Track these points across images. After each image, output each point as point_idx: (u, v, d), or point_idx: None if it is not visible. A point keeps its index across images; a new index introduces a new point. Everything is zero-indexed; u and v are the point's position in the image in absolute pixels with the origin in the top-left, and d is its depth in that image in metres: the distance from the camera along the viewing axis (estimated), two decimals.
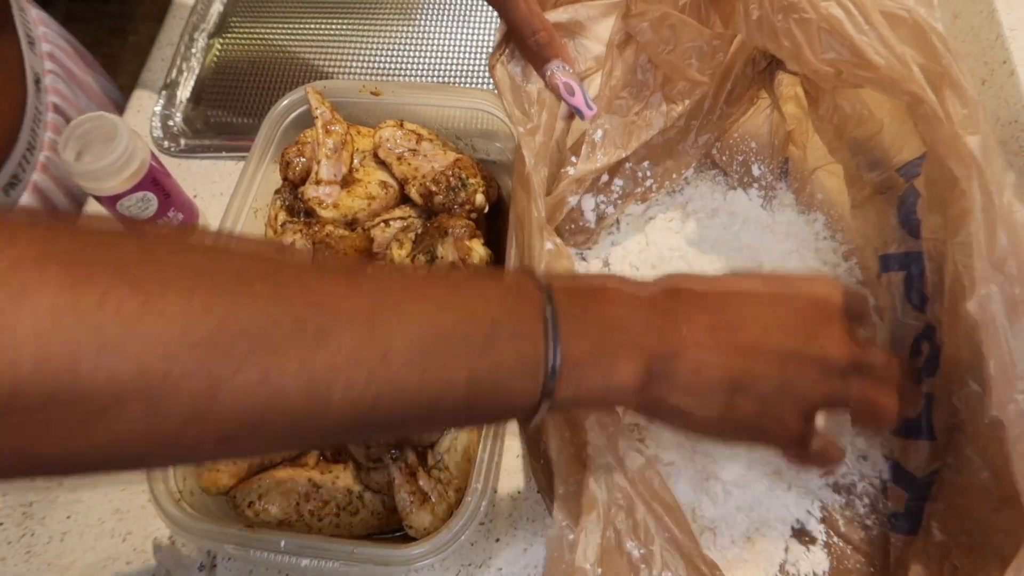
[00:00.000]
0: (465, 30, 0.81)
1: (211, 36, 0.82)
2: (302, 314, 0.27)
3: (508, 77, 0.50)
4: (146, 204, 0.60)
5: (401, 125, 0.62)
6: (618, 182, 0.61)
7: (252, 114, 0.77)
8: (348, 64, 0.80)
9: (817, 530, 0.50)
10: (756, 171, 0.62)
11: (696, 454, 0.52)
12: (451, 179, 0.58)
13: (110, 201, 0.59)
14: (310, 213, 0.60)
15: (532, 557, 0.52)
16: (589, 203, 0.60)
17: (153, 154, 0.60)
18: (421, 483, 0.49)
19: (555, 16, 0.52)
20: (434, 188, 0.58)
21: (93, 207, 0.69)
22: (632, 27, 0.51)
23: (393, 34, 0.82)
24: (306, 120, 0.63)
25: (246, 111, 0.77)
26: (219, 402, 0.26)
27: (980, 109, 0.38)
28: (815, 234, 0.60)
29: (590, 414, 0.42)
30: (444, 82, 0.78)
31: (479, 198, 0.58)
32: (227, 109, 0.78)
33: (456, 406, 0.31)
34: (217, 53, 0.81)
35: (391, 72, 0.79)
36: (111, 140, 0.56)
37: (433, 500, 0.49)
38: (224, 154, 0.73)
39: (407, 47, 0.81)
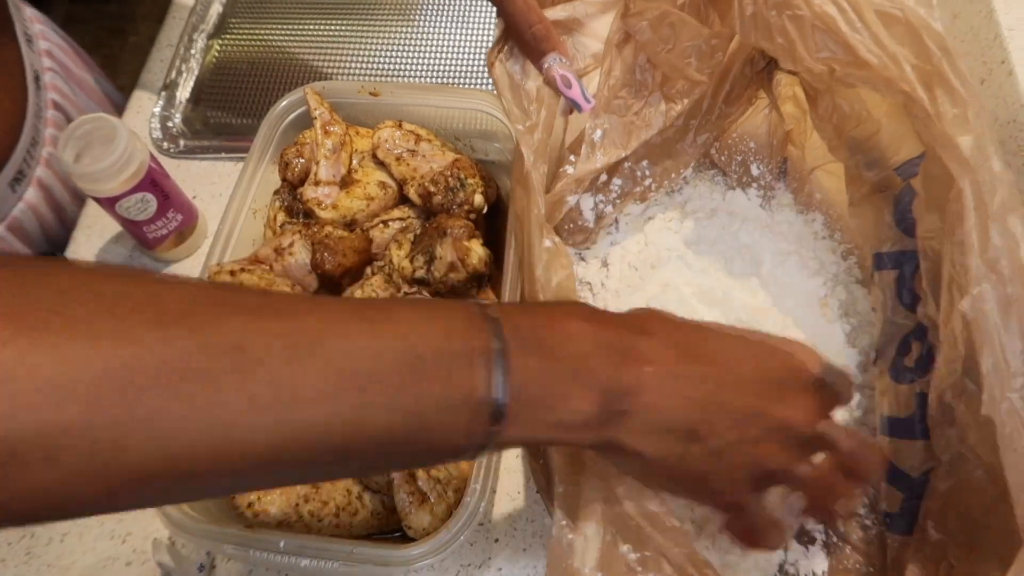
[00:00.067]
0: (464, 31, 0.81)
1: (210, 37, 0.82)
2: (203, 354, 0.26)
3: (507, 75, 0.50)
4: (145, 205, 0.60)
5: (400, 126, 0.62)
6: (617, 181, 0.61)
7: (251, 115, 0.77)
8: (347, 65, 0.80)
9: (816, 530, 0.50)
10: (755, 171, 0.62)
11: None
12: (450, 179, 0.58)
13: (109, 202, 0.59)
14: (309, 214, 0.60)
15: (531, 557, 0.52)
16: (588, 202, 0.60)
17: (152, 155, 0.60)
18: (420, 483, 0.49)
19: (553, 14, 0.52)
20: (433, 188, 0.58)
21: (93, 208, 0.69)
22: (631, 26, 0.51)
23: (392, 35, 0.82)
24: (305, 121, 0.63)
25: (245, 112, 0.77)
26: (101, 456, 0.24)
27: (972, 108, 0.38)
28: (814, 233, 0.60)
29: None
30: (443, 83, 0.78)
31: (478, 198, 0.58)
32: (226, 110, 0.78)
33: (375, 448, 0.30)
34: (216, 54, 0.81)
35: (390, 73, 0.79)
36: (110, 141, 0.56)
37: (432, 500, 0.49)
38: (223, 155, 0.73)
39: (406, 48, 0.81)
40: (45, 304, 0.25)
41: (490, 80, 0.51)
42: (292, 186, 0.62)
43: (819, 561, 0.49)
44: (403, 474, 0.49)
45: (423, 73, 0.79)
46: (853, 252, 0.58)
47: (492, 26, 0.81)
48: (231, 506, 0.50)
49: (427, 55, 0.80)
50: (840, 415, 0.52)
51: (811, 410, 0.36)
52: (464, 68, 0.79)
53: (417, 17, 0.83)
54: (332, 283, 0.58)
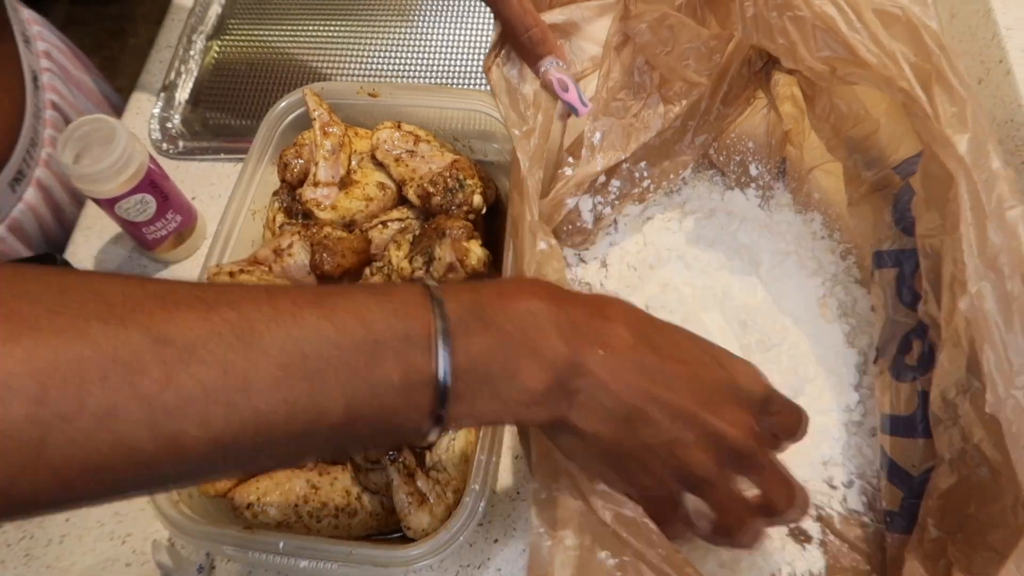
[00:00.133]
0: (462, 32, 0.81)
1: (209, 38, 0.82)
2: (148, 348, 0.26)
3: (504, 79, 0.51)
4: (144, 206, 0.60)
5: (399, 127, 0.62)
6: (615, 183, 0.61)
7: (250, 116, 0.77)
8: (346, 66, 0.80)
9: (813, 529, 0.50)
10: (753, 171, 0.62)
11: None
12: (449, 180, 0.58)
13: (108, 203, 0.59)
14: (308, 215, 0.60)
15: None
16: (586, 204, 0.60)
17: (151, 156, 0.60)
18: (419, 484, 0.49)
19: (551, 17, 0.52)
20: (432, 189, 0.58)
21: (92, 209, 0.70)
22: (630, 28, 0.51)
23: (391, 36, 0.82)
24: (304, 122, 0.63)
25: (244, 113, 0.77)
26: (51, 449, 0.25)
27: (970, 107, 0.38)
28: (812, 233, 0.60)
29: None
30: (441, 83, 0.78)
31: (477, 199, 0.58)
32: (225, 111, 0.78)
33: (334, 433, 0.30)
34: (215, 55, 0.82)
35: (389, 74, 0.79)
36: (109, 143, 0.57)
37: (431, 501, 0.49)
38: (222, 156, 0.73)
39: (404, 49, 0.81)
40: (6, 301, 0.25)
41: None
42: (291, 187, 0.62)
43: (816, 559, 0.49)
44: (402, 475, 0.49)
45: (422, 74, 0.79)
46: (852, 252, 0.58)
47: (490, 27, 0.81)
48: (230, 507, 0.50)
49: (426, 56, 0.80)
50: (838, 416, 0.52)
51: (744, 425, 0.37)
52: (463, 69, 0.79)
53: (416, 18, 0.83)
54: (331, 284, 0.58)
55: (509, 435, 0.56)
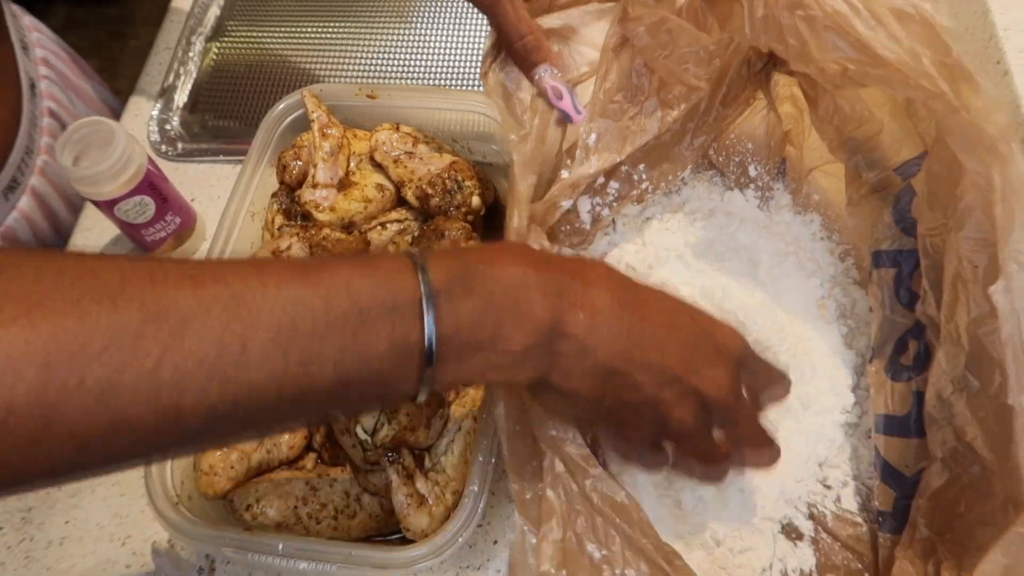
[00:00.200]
0: (461, 33, 0.81)
1: (208, 40, 0.82)
2: (145, 322, 0.27)
3: (500, 85, 0.51)
4: (143, 208, 0.60)
5: (397, 128, 0.62)
6: (614, 184, 0.61)
7: (249, 118, 0.77)
8: (344, 68, 0.80)
9: (805, 527, 0.50)
10: (753, 171, 0.62)
11: None
12: (447, 182, 0.58)
13: (107, 205, 0.59)
14: (307, 216, 0.60)
15: None
16: (585, 204, 0.60)
17: (150, 158, 0.60)
18: (418, 485, 0.49)
19: (549, 21, 0.52)
20: (430, 191, 0.58)
21: (91, 211, 0.70)
22: (629, 31, 0.51)
23: (389, 38, 0.82)
24: (303, 124, 0.63)
25: (243, 115, 0.77)
26: (58, 423, 0.26)
27: (995, 101, 0.38)
28: (811, 234, 0.60)
29: (542, 427, 0.43)
30: (440, 85, 0.78)
31: (475, 200, 0.58)
32: (224, 113, 0.78)
33: (327, 399, 0.31)
34: (214, 57, 0.82)
35: (387, 75, 0.79)
36: (108, 144, 0.57)
37: (431, 502, 0.49)
38: (221, 158, 0.73)
39: (403, 50, 0.81)
40: (3, 284, 0.26)
41: None
42: (290, 188, 0.62)
43: (807, 557, 0.49)
44: (401, 476, 0.49)
45: (420, 75, 0.79)
46: (851, 253, 0.58)
47: (489, 29, 0.81)
48: (230, 509, 0.50)
49: (424, 57, 0.80)
50: (835, 417, 0.52)
51: (724, 384, 0.39)
52: (461, 70, 0.79)
53: (414, 20, 0.83)
54: None
55: (503, 437, 0.56)
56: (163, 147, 0.74)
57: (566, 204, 0.56)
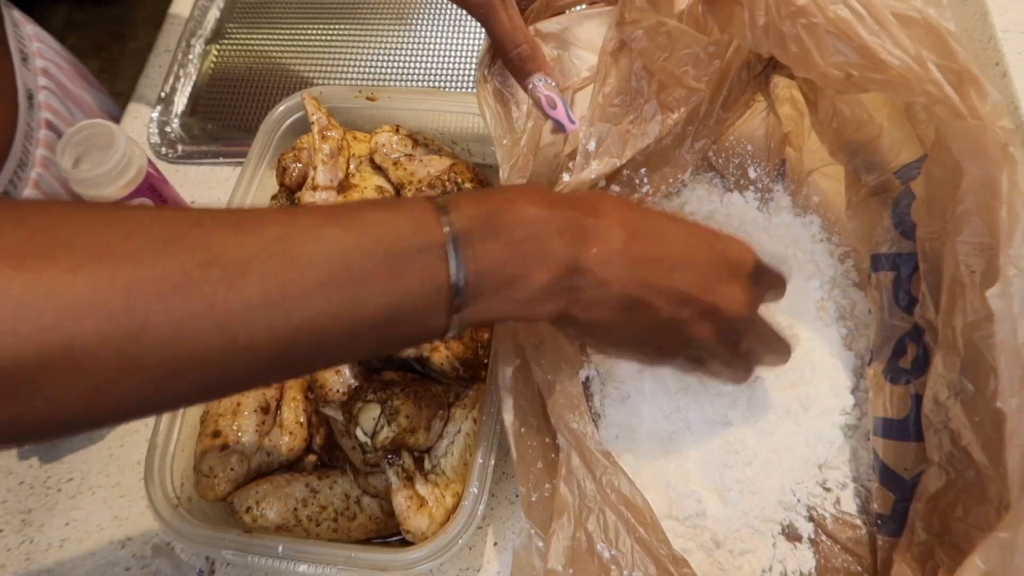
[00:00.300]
0: (460, 35, 0.82)
1: (208, 43, 0.82)
2: (212, 264, 0.29)
3: (495, 91, 0.51)
4: None
5: (397, 130, 0.62)
6: (615, 188, 0.61)
7: (249, 120, 0.77)
8: (344, 70, 0.80)
9: (805, 528, 0.50)
10: (752, 174, 0.62)
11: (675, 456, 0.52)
12: (447, 183, 0.58)
13: None
14: None
15: None
16: None
17: (150, 161, 0.60)
18: (418, 487, 0.49)
19: (547, 26, 0.52)
20: (430, 192, 0.58)
21: None
22: (627, 34, 0.51)
23: (389, 39, 0.82)
24: (302, 126, 0.63)
25: (243, 117, 0.78)
26: (143, 356, 0.28)
27: (1003, 105, 0.38)
28: (811, 236, 0.60)
29: (561, 420, 0.43)
30: (440, 87, 0.78)
31: None
32: (224, 115, 0.78)
33: (372, 334, 0.34)
34: (214, 60, 0.82)
35: (387, 77, 0.79)
36: (108, 147, 0.57)
37: (431, 504, 0.49)
38: (221, 160, 0.73)
39: (403, 52, 0.81)
40: (62, 236, 0.28)
41: None
42: (290, 191, 0.62)
43: (807, 559, 0.49)
44: (401, 478, 0.49)
45: (420, 77, 0.79)
46: (850, 255, 0.58)
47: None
48: (230, 511, 0.50)
49: (424, 59, 0.80)
50: (835, 419, 0.52)
51: (739, 299, 0.42)
52: (461, 72, 0.79)
53: (414, 21, 0.83)
54: None
55: (510, 437, 0.56)
56: (163, 149, 0.74)
57: None
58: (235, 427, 0.51)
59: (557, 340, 0.48)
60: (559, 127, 0.50)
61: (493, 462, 0.48)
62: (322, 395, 0.53)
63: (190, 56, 0.81)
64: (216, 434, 0.51)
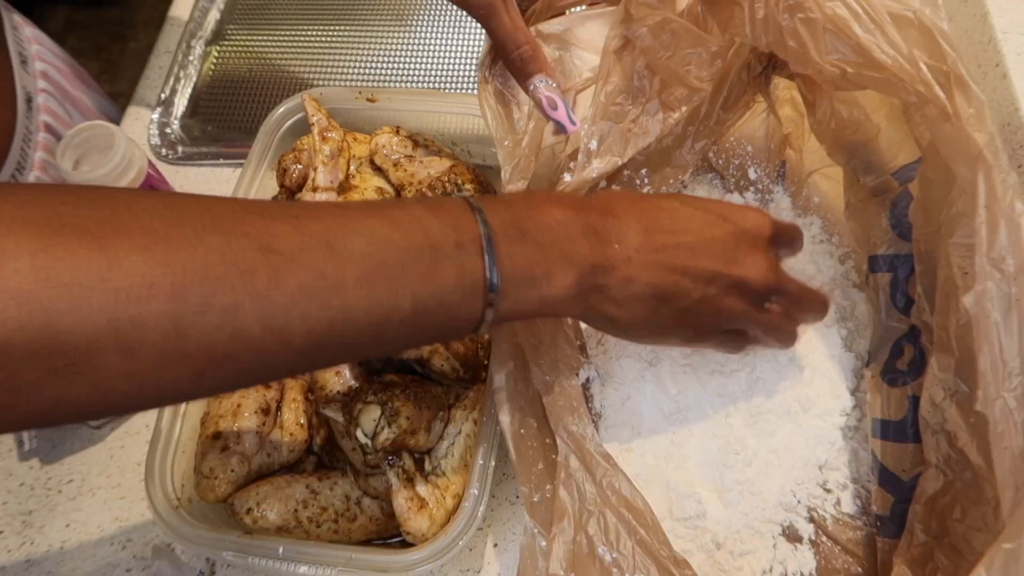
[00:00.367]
0: (460, 36, 0.82)
1: (208, 44, 0.82)
2: (255, 254, 0.30)
3: (496, 93, 0.51)
4: None
5: (397, 131, 0.62)
6: (615, 188, 0.61)
7: (249, 121, 0.77)
8: (344, 71, 0.80)
9: (806, 530, 0.50)
10: (752, 175, 0.62)
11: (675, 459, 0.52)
12: (447, 185, 0.58)
13: None
14: None
15: None
16: None
17: (150, 162, 0.60)
18: (419, 489, 0.49)
19: (548, 27, 0.52)
20: (430, 194, 0.58)
21: None
22: (631, 32, 0.51)
23: (389, 41, 0.82)
24: (303, 127, 0.63)
25: (243, 118, 0.78)
26: (188, 341, 0.29)
27: (986, 108, 0.38)
28: (812, 237, 0.60)
29: (560, 423, 0.43)
30: (440, 88, 0.78)
31: None
32: (224, 117, 0.78)
33: (404, 326, 0.35)
34: (214, 61, 0.82)
35: (387, 79, 0.79)
36: (108, 148, 0.57)
37: (431, 506, 0.49)
38: (221, 161, 0.73)
39: (403, 54, 0.81)
40: (124, 219, 0.29)
41: None
42: (290, 192, 0.62)
43: (807, 560, 0.49)
44: (401, 479, 0.49)
45: (420, 79, 0.79)
46: (850, 256, 0.58)
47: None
48: (230, 512, 0.50)
49: (424, 61, 0.80)
50: (835, 420, 0.52)
51: (763, 266, 0.43)
52: (461, 73, 0.79)
53: (414, 23, 0.83)
54: None
55: (508, 438, 0.56)
56: (163, 151, 0.74)
57: None
58: (236, 428, 0.51)
59: (556, 341, 0.48)
60: (560, 128, 0.50)
61: (493, 463, 0.48)
62: (322, 396, 0.53)
63: (190, 57, 0.81)
64: (217, 435, 0.51)
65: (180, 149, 0.75)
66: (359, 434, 0.48)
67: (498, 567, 0.52)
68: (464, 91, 0.78)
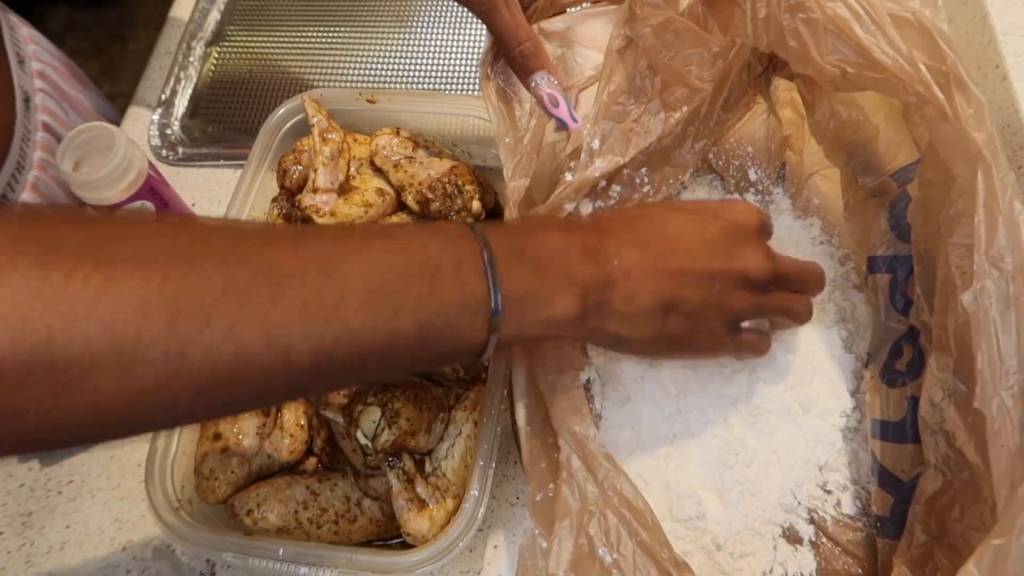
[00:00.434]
0: (460, 37, 0.82)
1: (208, 45, 0.82)
2: (255, 276, 0.30)
3: (498, 90, 0.51)
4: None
5: (397, 132, 0.62)
6: (616, 188, 0.61)
7: (249, 122, 0.77)
8: (344, 72, 0.80)
9: (806, 531, 0.50)
10: (753, 176, 0.62)
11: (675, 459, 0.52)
12: (447, 186, 0.58)
13: (108, 211, 0.59)
14: (307, 221, 0.60)
15: None
16: (587, 207, 0.60)
17: (151, 163, 0.60)
18: (419, 490, 0.49)
19: (551, 25, 0.53)
20: (430, 195, 0.58)
21: None
22: (634, 32, 0.51)
23: (389, 42, 0.82)
24: (303, 128, 0.63)
25: (243, 120, 0.78)
26: (189, 360, 0.29)
27: (985, 108, 0.39)
28: (812, 238, 0.60)
29: (563, 423, 0.43)
30: (440, 89, 0.78)
31: (475, 205, 0.58)
32: (224, 118, 0.78)
33: (408, 349, 0.35)
34: (214, 62, 0.82)
35: (387, 80, 0.79)
36: (109, 149, 0.57)
37: (431, 507, 0.49)
38: (222, 162, 0.73)
39: (403, 55, 0.81)
40: (122, 243, 0.29)
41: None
42: (290, 193, 0.62)
43: (807, 561, 0.49)
44: (401, 481, 0.49)
45: (420, 80, 0.79)
46: (850, 257, 0.58)
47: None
48: (230, 514, 0.50)
49: (424, 62, 0.80)
50: (835, 421, 0.52)
51: (760, 255, 0.44)
52: (461, 74, 0.79)
53: (415, 24, 0.83)
54: None
55: (508, 439, 0.56)
56: (164, 152, 0.74)
57: (569, 207, 0.56)
58: (236, 430, 0.51)
59: (557, 342, 0.48)
60: (562, 125, 0.50)
61: (494, 464, 0.48)
62: (323, 398, 0.53)
63: (190, 58, 0.81)
64: (217, 436, 0.51)
65: (180, 150, 0.75)
66: (359, 435, 0.48)
67: (498, 568, 0.52)
68: (464, 92, 0.78)
